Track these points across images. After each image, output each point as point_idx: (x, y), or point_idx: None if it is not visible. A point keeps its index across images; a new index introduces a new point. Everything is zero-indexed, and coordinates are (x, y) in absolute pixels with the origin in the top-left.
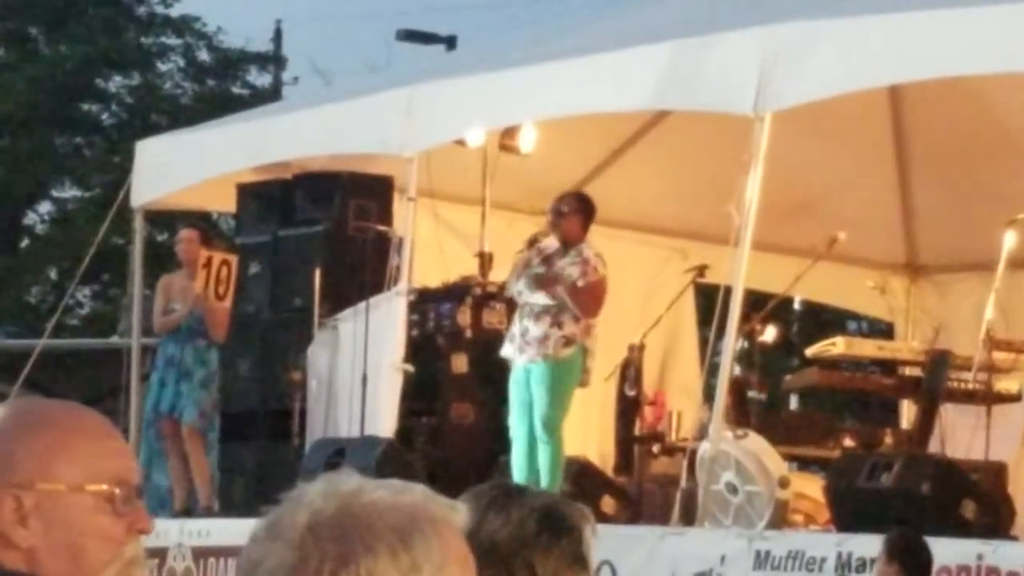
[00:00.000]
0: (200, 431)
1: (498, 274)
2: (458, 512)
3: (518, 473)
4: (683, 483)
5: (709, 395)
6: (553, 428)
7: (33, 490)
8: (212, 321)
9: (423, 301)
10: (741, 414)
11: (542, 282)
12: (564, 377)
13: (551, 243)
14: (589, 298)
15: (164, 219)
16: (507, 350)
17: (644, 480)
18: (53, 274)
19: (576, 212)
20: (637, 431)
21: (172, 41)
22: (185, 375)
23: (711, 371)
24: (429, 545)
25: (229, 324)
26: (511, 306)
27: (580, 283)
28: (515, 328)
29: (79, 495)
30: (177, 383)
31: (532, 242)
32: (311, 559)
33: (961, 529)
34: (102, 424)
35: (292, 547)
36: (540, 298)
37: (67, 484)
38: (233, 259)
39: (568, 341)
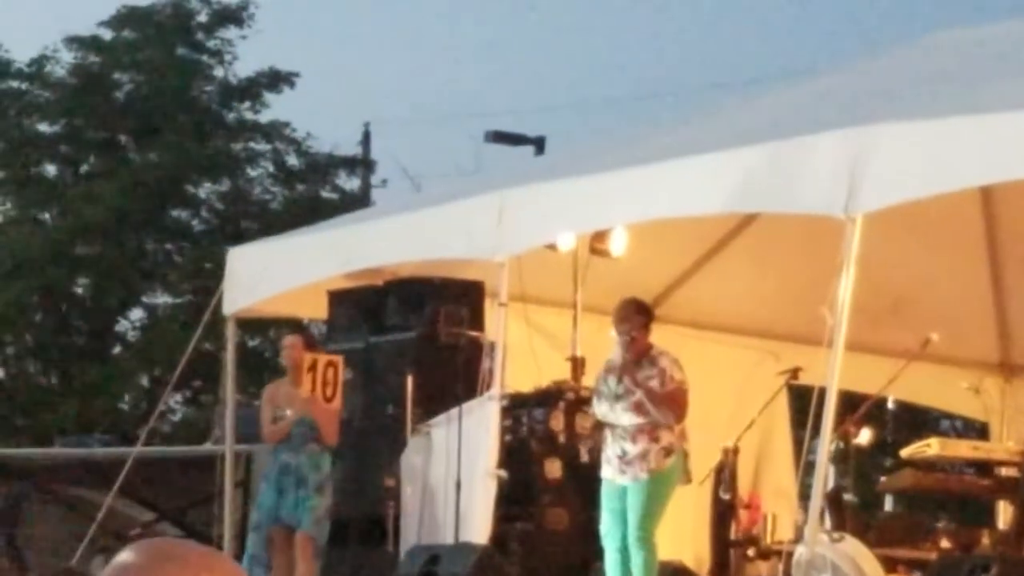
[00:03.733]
0: (315, 538)
1: (591, 378)
2: None
3: None
4: None
5: (804, 497)
6: (649, 536)
7: None
8: (324, 424)
9: (516, 406)
10: (837, 517)
11: (636, 405)
12: (664, 487)
13: (615, 358)
14: (672, 404)
15: (256, 324)
16: (606, 472)
17: None
18: (144, 381)
19: (642, 327)
20: (732, 534)
21: (261, 146)
22: (301, 482)
23: (806, 472)
24: None
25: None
26: None
27: (660, 393)
28: (610, 450)
29: None
30: (296, 491)
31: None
32: None
33: None
34: (234, 568)
35: None
36: (629, 419)
37: None
38: (339, 360)
39: (668, 452)
